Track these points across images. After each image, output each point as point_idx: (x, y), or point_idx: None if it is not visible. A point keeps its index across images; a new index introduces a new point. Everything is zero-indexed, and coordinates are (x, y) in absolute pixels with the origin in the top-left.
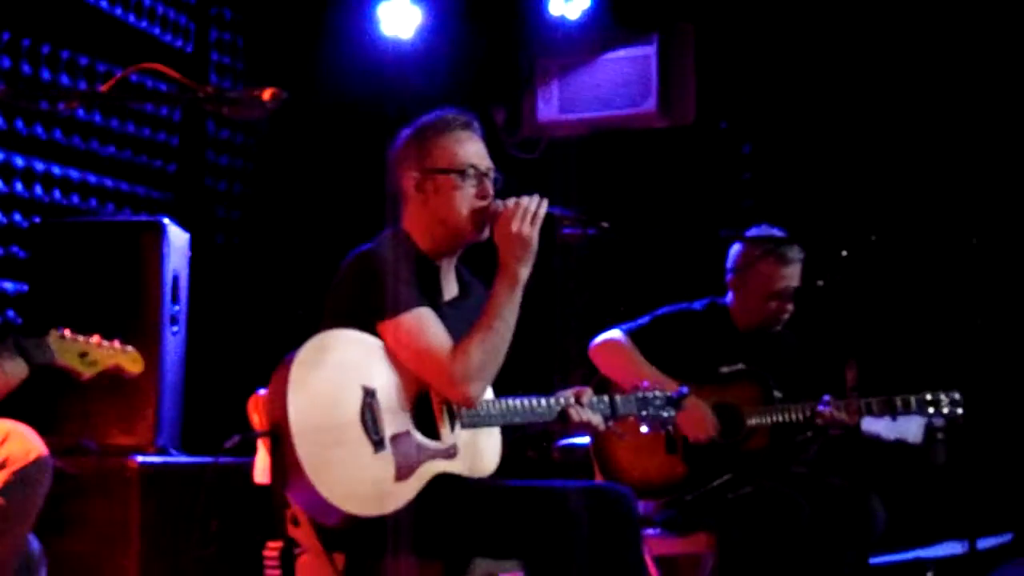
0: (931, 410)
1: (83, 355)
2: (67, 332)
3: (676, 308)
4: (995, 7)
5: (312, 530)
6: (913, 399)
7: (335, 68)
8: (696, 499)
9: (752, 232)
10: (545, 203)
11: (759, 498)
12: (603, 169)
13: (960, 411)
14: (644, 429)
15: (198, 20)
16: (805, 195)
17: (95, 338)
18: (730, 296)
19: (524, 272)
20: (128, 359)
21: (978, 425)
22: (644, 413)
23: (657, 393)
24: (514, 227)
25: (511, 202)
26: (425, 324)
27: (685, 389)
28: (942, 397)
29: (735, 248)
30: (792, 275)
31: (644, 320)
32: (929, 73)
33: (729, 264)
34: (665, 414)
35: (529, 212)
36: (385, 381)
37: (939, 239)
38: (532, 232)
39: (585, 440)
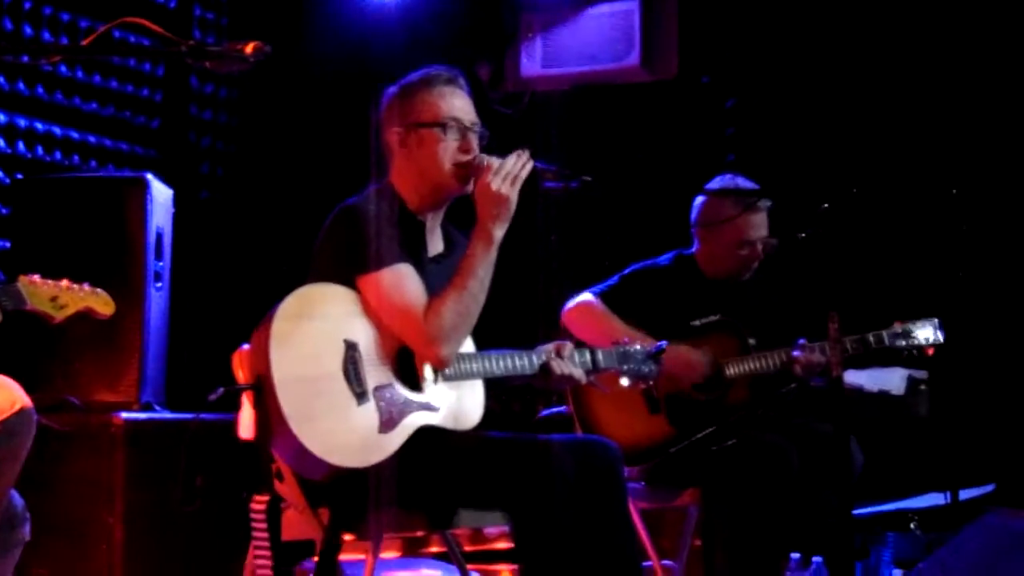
0: (904, 343)
1: (53, 299)
2: (36, 278)
3: (643, 265)
4: None
5: (297, 485)
6: (885, 333)
7: (319, 24)
8: (680, 452)
9: (717, 182)
10: (530, 165)
11: (743, 450)
12: (586, 123)
13: (932, 339)
14: (625, 382)
15: None
16: (788, 149)
17: (64, 282)
18: (696, 246)
19: (499, 232)
20: (99, 301)
21: (960, 375)
22: (625, 367)
23: (638, 347)
24: (493, 185)
25: (495, 161)
26: (403, 281)
27: (664, 343)
28: (913, 327)
29: (700, 199)
30: (760, 222)
31: (613, 280)
32: (910, 24)
33: (695, 215)
34: (646, 369)
35: (511, 173)
36: (367, 334)
37: (920, 190)
38: (511, 192)
39: (565, 408)
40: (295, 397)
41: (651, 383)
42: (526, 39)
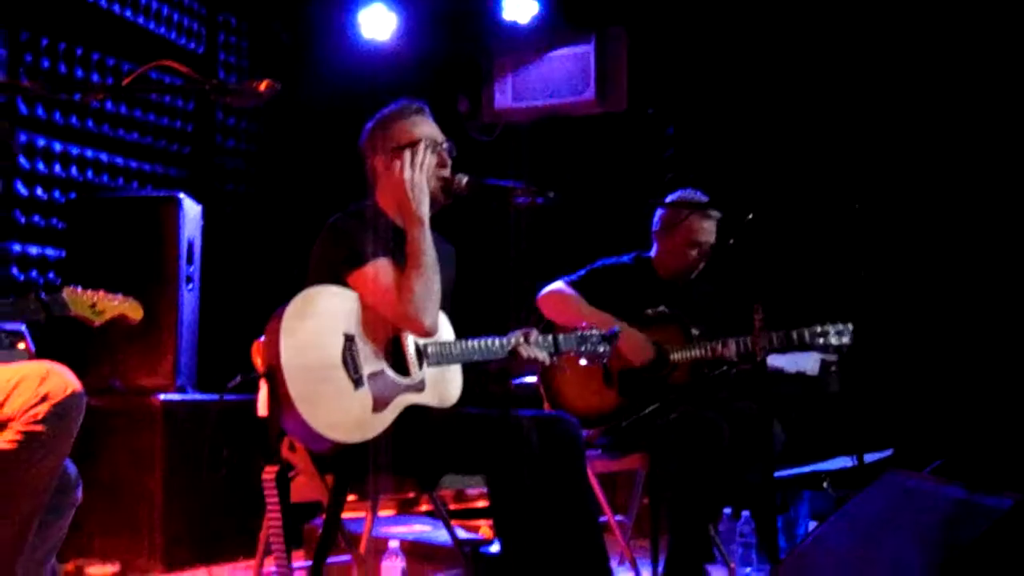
0: (821, 340)
1: (92, 306)
2: (78, 288)
3: (609, 261)
4: None
5: (307, 455)
6: (807, 331)
7: (325, 65)
8: (630, 425)
9: (678, 193)
10: (429, 152)
11: (684, 422)
12: (550, 148)
13: (846, 340)
14: (583, 362)
15: (208, 25)
16: (718, 169)
17: (101, 292)
18: (655, 249)
19: (423, 211)
20: (130, 308)
21: (864, 358)
22: (583, 349)
23: (594, 332)
24: (406, 174)
25: (405, 155)
26: (383, 272)
27: (616, 328)
28: (830, 329)
29: (660, 211)
30: (711, 229)
31: (582, 272)
32: (808, 64)
33: (656, 221)
34: (601, 349)
35: (418, 161)
36: (363, 327)
37: (828, 204)
38: (420, 176)
39: (534, 379)
40: (301, 383)
41: (605, 361)
42: (499, 77)
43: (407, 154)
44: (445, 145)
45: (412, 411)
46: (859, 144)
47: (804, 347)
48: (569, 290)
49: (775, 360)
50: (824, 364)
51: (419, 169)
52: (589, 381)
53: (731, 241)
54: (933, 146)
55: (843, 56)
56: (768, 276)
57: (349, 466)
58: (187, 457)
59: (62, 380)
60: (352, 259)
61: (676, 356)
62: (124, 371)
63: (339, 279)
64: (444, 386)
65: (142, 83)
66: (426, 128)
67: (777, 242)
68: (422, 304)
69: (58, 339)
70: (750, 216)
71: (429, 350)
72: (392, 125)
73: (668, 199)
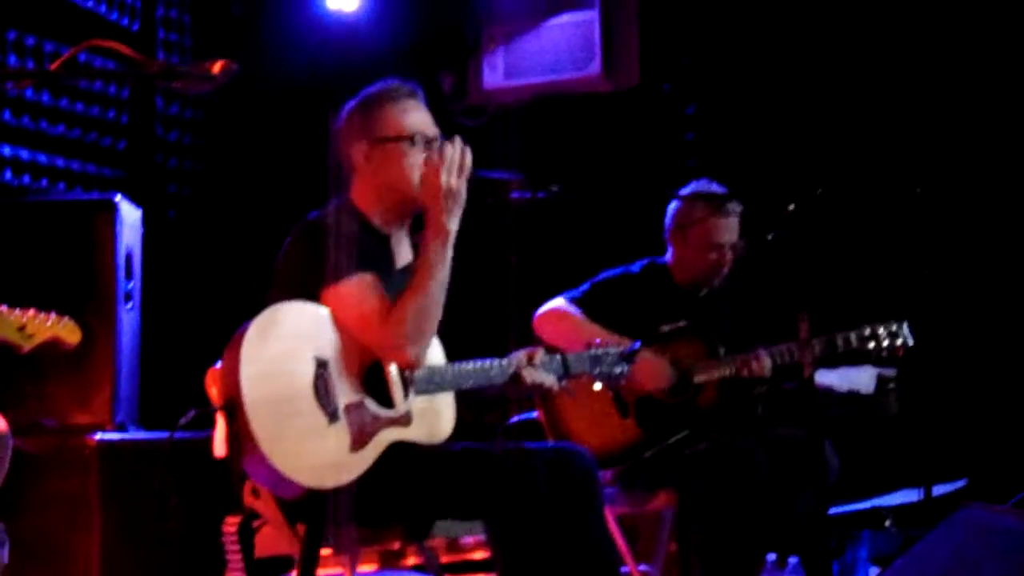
0: (872, 345)
1: (21, 328)
2: (3, 307)
3: (615, 272)
4: None
5: (273, 501)
6: (853, 334)
7: (281, 42)
8: (654, 457)
9: (690, 187)
10: (468, 150)
11: (716, 453)
12: (550, 133)
13: (901, 341)
14: (597, 386)
15: None
16: (749, 153)
17: (31, 311)
18: (669, 253)
19: (454, 226)
20: (65, 330)
21: (928, 372)
22: (597, 370)
23: (609, 350)
24: (443, 179)
25: (436, 155)
26: (365, 290)
27: (637, 344)
28: (881, 330)
29: (673, 205)
30: (731, 227)
31: (584, 287)
32: (866, 24)
33: (668, 221)
34: (618, 370)
35: (456, 163)
36: (337, 351)
37: (883, 190)
38: (460, 184)
39: (535, 413)
40: (266, 419)
41: (622, 383)
42: (488, 51)
43: (436, 153)
44: (439, 142)
45: (397, 448)
46: (920, 116)
47: (853, 356)
48: (571, 308)
49: (823, 376)
50: (881, 380)
51: (456, 176)
52: (601, 412)
53: (769, 237)
54: (1013, 115)
55: (901, 13)
56: (813, 277)
57: (323, 514)
58: (129, 507)
59: None
60: (329, 272)
61: (701, 377)
62: (52, 406)
63: (310, 294)
64: (434, 418)
65: (72, 67)
66: (418, 117)
67: (823, 237)
68: (415, 331)
69: None
70: (791, 207)
71: (416, 376)
72: (378, 110)
73: (681, 194)
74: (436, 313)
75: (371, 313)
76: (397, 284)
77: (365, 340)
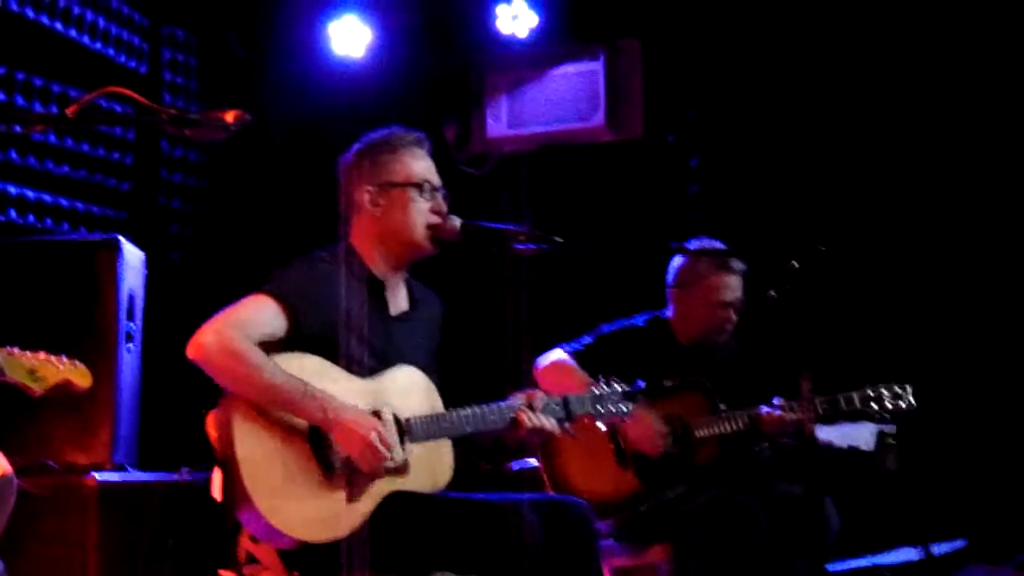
0: (875, 406)
1: (32, 371)
2: (15, 350)
3: (618, 325)
4: (929, 13)
5: (272, 549)
6: (856, 395)
7: (287, 86)
8: (651, 511)
9: (693, 244)
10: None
11: (714, 508)
12: (553, 183)
13: (904, 404)
14: (601, 426)
15: (151, 40)
16: (753, 207)
17: (42, 354)
18: (671, 309)
19: (308, 419)
20: (76, 374)
21: (929, 429)
22: (600, 409)
23: (615, 387)
24: (357, 448)
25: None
26: (254, 304)
27: (641, 383)
28: (884, 392)
29: (677, 261)
30: (736, 285)
31: (587, 339)
32: (872, 78)
33: (670, 277)
34: (623, 407)
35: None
36: None
37: (887, 248)
38: (376, 459)
39: (535, 461)
40: (259, 474)
41: (627, 420)
42: (492, 100)
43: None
44: (441, 192)
45: (395, 499)
46: (927, 175)
47: (855, 415)
48: (571, 361)
49: (824, 433)
50: (881, 437)
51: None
52: (600, 461)
53: (771, 294)
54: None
55: (904, 72)
56: (816, 335)
57: (321, 564)
58: (128, 548)
59: None
60: (265, 281)
61: (701, 432)
62: (53, 447)
63: (298, 343)
64: (432, 466)
65: (86, 112)
66: (426, 165)
67: (826, 295)
68: (227, 351)
69: None
70: (794, 264)
71: (414, 425)
72: (388, 155)
73: (687, 248)
74: (242, 381)
75: (229, 310)
76: (392, 331)
77: (202, 330)
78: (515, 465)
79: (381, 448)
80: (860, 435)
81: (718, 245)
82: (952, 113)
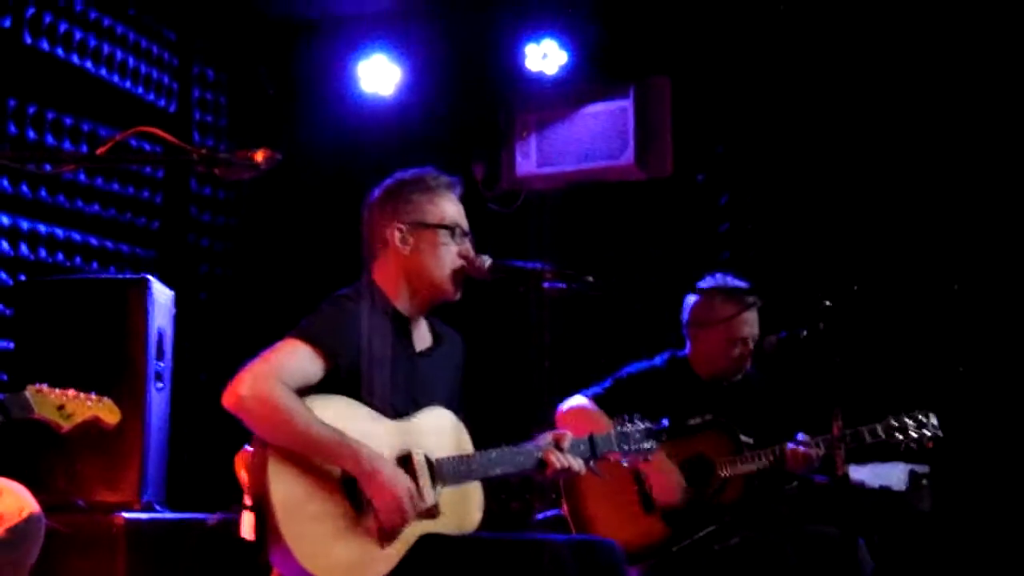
0: (900, 436)
1: (60, 408)
2: (44, 387)
3: (637, 367)
4: (962, 56)
5: None
6: (880, 426)
7: (317, 124)
8: (682, 552)
9: (707, 281)
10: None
11: (746, 549)
12: (582, 222)
13: (929, 432)
14: (625, 463)
15: (181, 79)
16: (784, 245)
17: (71, 391)
18: (688, 347)
19: (343, 469)
20: (104, 410)
21: (961, 469)
22: (625, 448)
23: (639, 426)
24: (405, 503)
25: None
26: (290, 350)
27: (665, 422)
28: (907, 420)
29: (691, 300)
30: (750, 321)
31: (607, 383)
32: (903, 122)
33: (685, 316)
34: (646, 445)
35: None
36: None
37: (919, 286)
38: (401, 520)
39: (560, 511)
40: (293, 517)
41: (651, 458)
42: (521, 138)
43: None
44: (469, 237)
45: (427, 542)
46: (958, 212)
47: (884, 450)
48: (592, 405)
49: (856, 472)
50: (913, 476)
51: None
52: (626, 507)
53: (803, 333)
54: None
55: (935, 112)
56: (847, 373)
57: None
58: None
59: (17, 500)
60: (298, 327)
61: (726, 472)
62: (82, 485)
63: (326, 382)
64: (463, 508)
65: (117, 152)
66: (456, 209)
67: (858, 334)
68: (265, 402)
69: (4, 445)
70: (827, 303)
71: (444, 468)
72: (420, 195)
73: (700, 287)
74: (284, 436)
75: (265, 360)
76: (416, 367)
77: (235, 379)
78: (539, 515)
79: (410, 511)
80: (892, 475)
81: (732, 281)
82: (984, 153)
